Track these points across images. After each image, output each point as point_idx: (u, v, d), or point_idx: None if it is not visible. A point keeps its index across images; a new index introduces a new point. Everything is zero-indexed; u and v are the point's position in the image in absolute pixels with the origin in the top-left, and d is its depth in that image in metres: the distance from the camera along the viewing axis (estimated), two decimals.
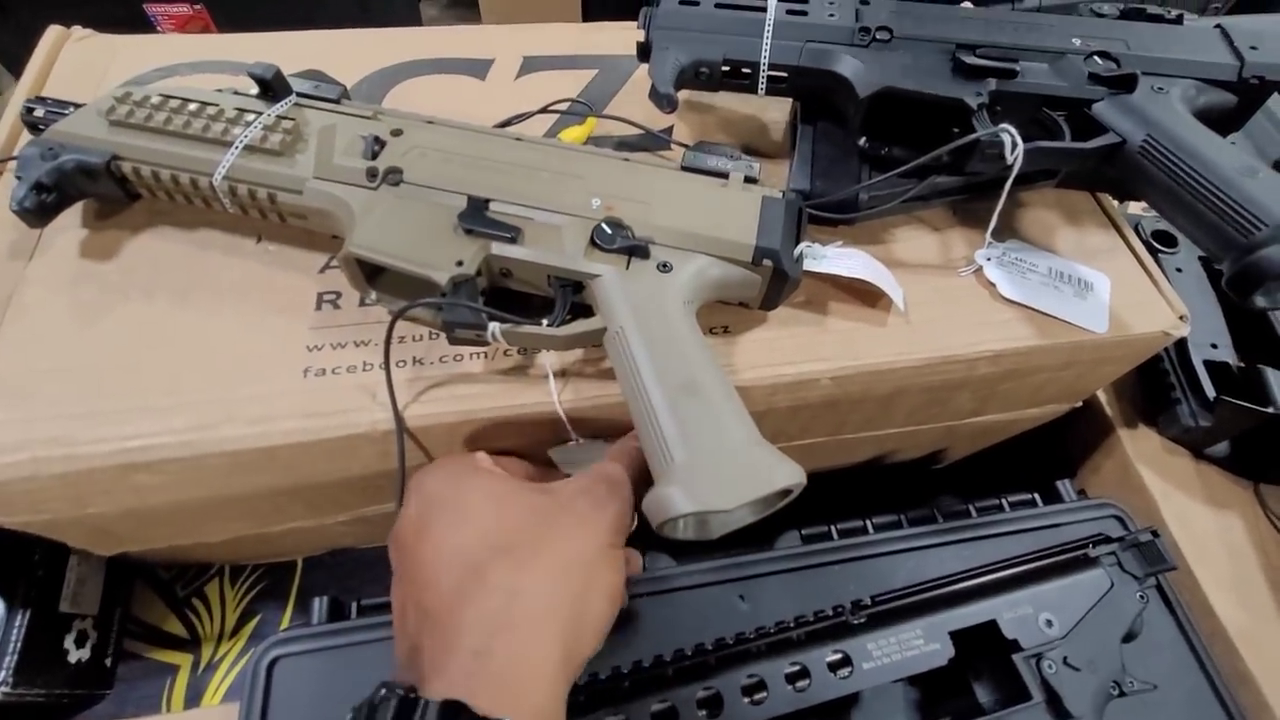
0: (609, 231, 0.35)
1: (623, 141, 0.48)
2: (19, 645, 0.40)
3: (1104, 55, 0.39)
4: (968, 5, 0.46)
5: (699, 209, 0.37)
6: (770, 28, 0.41)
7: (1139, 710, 0.37)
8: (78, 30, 0.49)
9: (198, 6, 1.66)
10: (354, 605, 0.40)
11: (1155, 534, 0.39)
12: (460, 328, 0.34)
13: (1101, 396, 0.51)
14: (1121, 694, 0.36)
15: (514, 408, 0.35)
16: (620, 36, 0.54)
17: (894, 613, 0.36)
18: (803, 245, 0.38)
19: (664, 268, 0.35)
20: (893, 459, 0.54)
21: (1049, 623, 0.36)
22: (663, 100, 0.41)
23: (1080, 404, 0.51)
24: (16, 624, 0.40)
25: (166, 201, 0.39)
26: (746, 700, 0.33)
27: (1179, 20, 0.42)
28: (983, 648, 0.36)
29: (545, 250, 0.35)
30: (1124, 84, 0.38)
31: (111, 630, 0.47)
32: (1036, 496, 0.47)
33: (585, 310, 0.35)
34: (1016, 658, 0.35)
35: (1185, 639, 0.41)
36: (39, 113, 0.40)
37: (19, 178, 0.36)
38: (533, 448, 0.38)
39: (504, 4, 1.77)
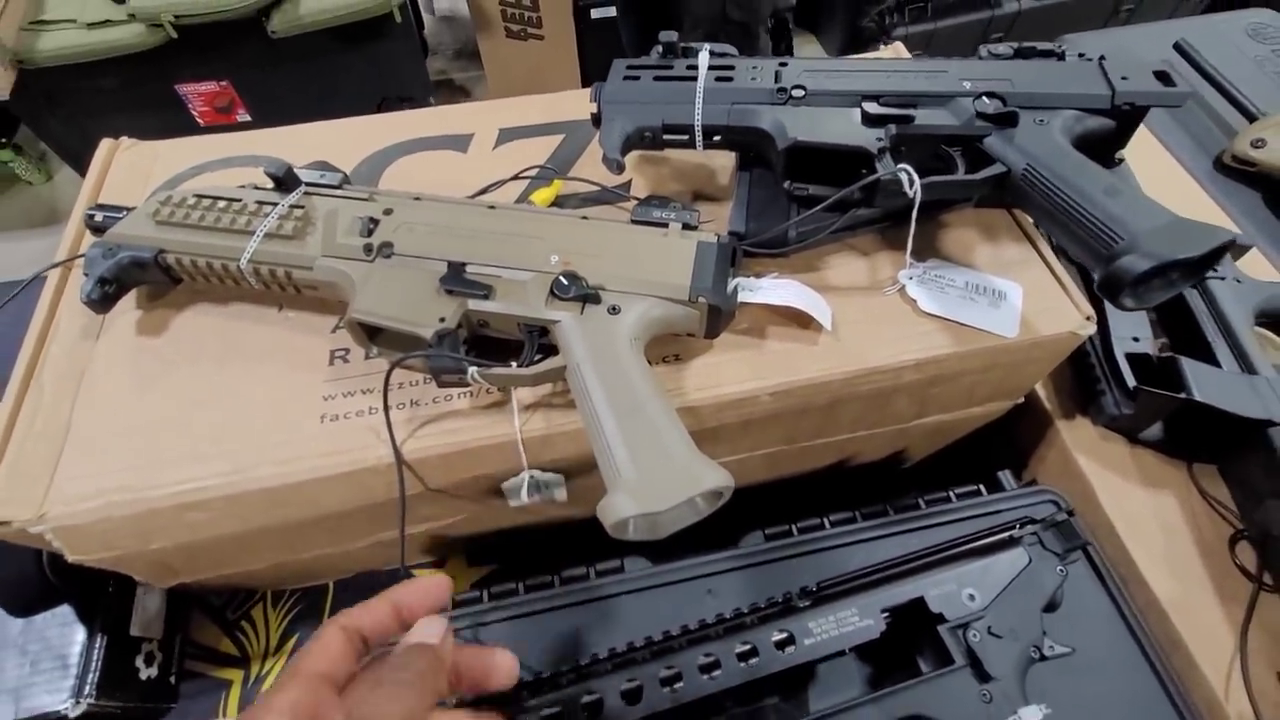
0: (565, 283, 0.41)
1: (587, 197, 0.55)
2: (99, 665, 0.47)
3: (991, 95, 0.45)
4: (879, 56, 0.52)
5: (642, 257, 0.43)
6: (701, 94, 0.48)
7: (1069, 674, 0.42)
8: (125, 140, 0.58)
9: (224, 83, 1.81)
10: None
11: (1071, 514, 0.43)
12: (445, 373, 0.40)
13: (1041, 391, 0.56)
14: (1042, 658, 0.40)
15: (493, 438, 0.42)
16: (584, 103, 0.60)
17: (834, 595, 0.41)
18: (737, 280, 0.44)
19: (613, 310, 0.41)
20: (856, 461, 0.59)
21: (971, 597, 0.40)
22: (612, 164, 0.47)
23: (1021, 400, 0.55)
24: (96, 646, 0.47)
25: (204, 283, 0.47)
26: (704, 676, 0.38)
27: (1062, 56, 0.47)
28: (913, 622, 0.40)
29: (513, 303, 0.42)
30: (1007, 120, 0.44)
31: (174, 651, 0.54)
32: (981, 487, 0.51)
33: (553, 350, 0.42)
34: (942, 629, 0.40)
35: (1116, 609, 0.45)
36: (98, 218, 0.48)
37: (86, 274, 0.45)
38: (501, 475, 0.44)
39: (504, 56, 1.88)
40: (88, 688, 0.46)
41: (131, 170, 0.56)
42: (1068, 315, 0.47)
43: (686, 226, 0.45)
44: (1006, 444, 0.59)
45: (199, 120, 1.80)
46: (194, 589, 0.56)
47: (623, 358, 0.39)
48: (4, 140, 2.10)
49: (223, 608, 0.58)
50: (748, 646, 0.39)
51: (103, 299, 0.45)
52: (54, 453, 0.41)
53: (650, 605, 0.47)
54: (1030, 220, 0.52)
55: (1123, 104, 0.44)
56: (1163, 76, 0.45)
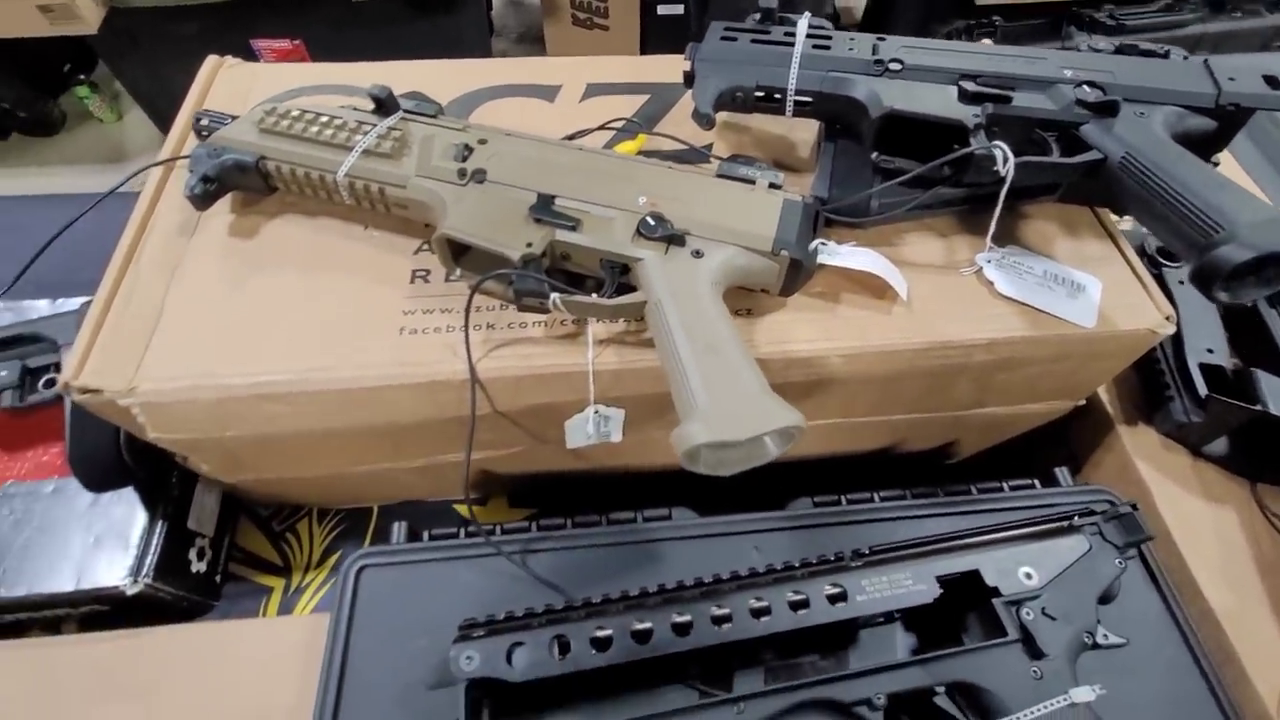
0: (652, 223, 0.42)
1: (670, 155, 0.55)
2: (158, 550, 0.48)
3: (1092, 84, 0.45)
4: (986, 42, 0.52)
5: (728, 208, 0.44)
6: (797, 59, 0.48)
7: (1119, 666, 0.41)
8: (229, 59, 0.60)
9: (296, 41, 1.86)
10: (426, 534, 0.47)
11: (1135, 507, 0.43)
12: (527, 296, 0.41)
13: (1103, 396, 0.55)
14: (1095, 645, 0.39)
15: (563, 366, 0.43)
16: (669, 67, 0.61)
17: (888, 559, 0.41)
18: (818, 241, 0.44)
19: (697, 254, 0.42)
20: (905, 448, 0.59)
21: (1028, 575, 0.40)
22: (703, 119, 0.48)
23: (1082, 403, 0.55)
24: (156, 532, 0.49)
25: (296, 194, 0.49)
26: (754, 619, 0.38)
27: (1166, 55, 0.47)
28: (966, 593, 0.40)
29: (599, 237, 0.43)
30: (1108, 109, 0.44)
31: (222, 551, 0.56)
32: (1035, 482, 0.51)
33: (628, 289, 0.43)
34: (997, 602, 0.39)
35: (1169, 612, 0.45)
36: (204, 122, 0.50)
37: (191, 171, 0.46)
38: (564, 407, 0.45)
39: (568, 42, 1.91)
40: (146, 569, 0.47)
41: (232, 87, 0.58)
42: (1147, 313, 0.46)
43: (772, 185, 0.46)
44: (1059, 446, 0.59)
45: None
46: (246, 496, 0.58)
47: (703, 299, 0.40)
48: (82, 77, 2.17)
49: (270, 518, 0.59)
50: (800, 596, 0.39)
51: (204, 196, 0.46)
52: (146, 334, 0.43)
53: (696, 553, 0.47)
54: (1112, 217, 0.51)
55: (1227, 104, 0.44)
56: (1272, 80, 0.44)
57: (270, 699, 0.45)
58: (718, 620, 0.38)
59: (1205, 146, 0.46)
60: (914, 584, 0.39)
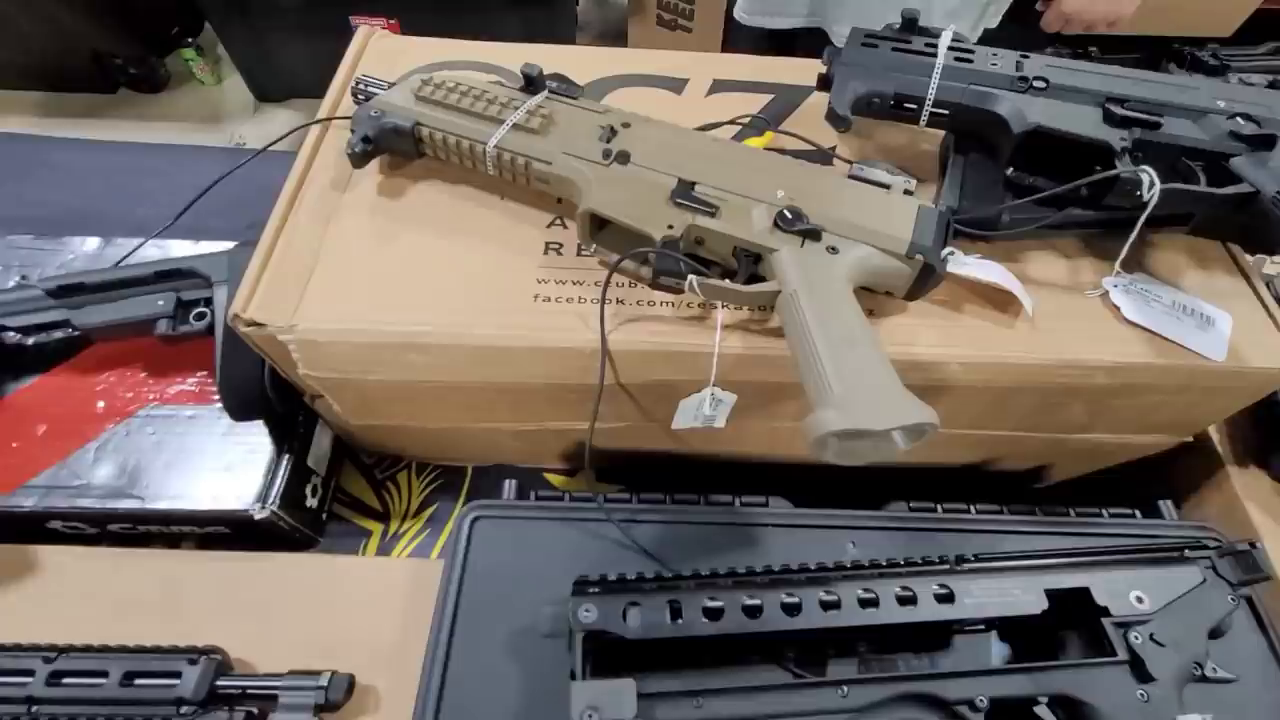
0: (790, 216, 0.44)
1: (796, 153, 0.56)
2: (284, 481, 0.52)
3: (1246, 117, 0.44)
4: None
5: (865, 208, 0.45)
6: (939, 70, 0.49)
7: (1226, 702, 0.41)
8: (379, 30, 0.63)
9: (393, 21, 1.93)
10: (533, 494, 0.50)
11: (1253, 545, 0.42)
12: (665, 275, 0.43)
13: (1213, 434, 0.54)
14: (1204, 678, 0.39)
15: (691, 346, 0.44)
16: (791, 70, 0.62)
17: (996, 569, 0.41)
18: (948, 249, 0.45)
19: (832, 250, 0.43)
20: (999, 466, 0.59)
21: (1139, 599, 0.40)
22: (839, 121, 0.49)
23: (1189, 439, 0.54)
24: (283, 466, 0.52)
25: (442, 161, 0.51)
26: (861, 608, 0.39)
27: None
28: (1075, 610, 0.40)
29: (737, 225, 0.44)
30: (1264, 142, 0.43)
31: (329, 492, 0.59)
32: (1136, 512, 0.51)
33: (758, 279, 0.44)
34: (1106, 621, 0.39)
35: (1274, 656, 0.44)
36: (362, 86, 0.53)
37: (353, 130, 0.49)
38: (683, 386, 0.46)
39: (650, 42, 1.94)
40: (272, 498, 0.51)
41: (380, 57, 0.61)
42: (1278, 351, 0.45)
43: (907, 191, 0.46)
44: (1155, 480, 0.58)
45: None
46: (355, 443, 0.61)
47: (839, 293, 0.41)
48: (189, 40, 2.29)
49: (373, 466, 0.63)
50: (908, 593, 0.40)
51: (362, 155, 0.49)
52: (304, 277, 0.46)
53: (790, 542, 0.48)
54: (1245, 255, 0.51)
55: None
56: None
57: (376, 634, 0.47)
58: (826, 605, 0.39)
59: None
60: (1022, 594, 0.40)
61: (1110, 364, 0.45)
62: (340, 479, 0.62)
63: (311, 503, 0.56)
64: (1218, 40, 1.81)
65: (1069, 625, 0.41)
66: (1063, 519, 0.49)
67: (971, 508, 0.50)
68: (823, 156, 0.56)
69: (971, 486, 0.60)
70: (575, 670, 0.37)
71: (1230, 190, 0.43)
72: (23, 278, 0.58)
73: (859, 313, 0.40)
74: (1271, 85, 0.48)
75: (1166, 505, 0.50)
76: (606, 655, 0.39)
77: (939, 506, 0.50)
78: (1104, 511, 0.50)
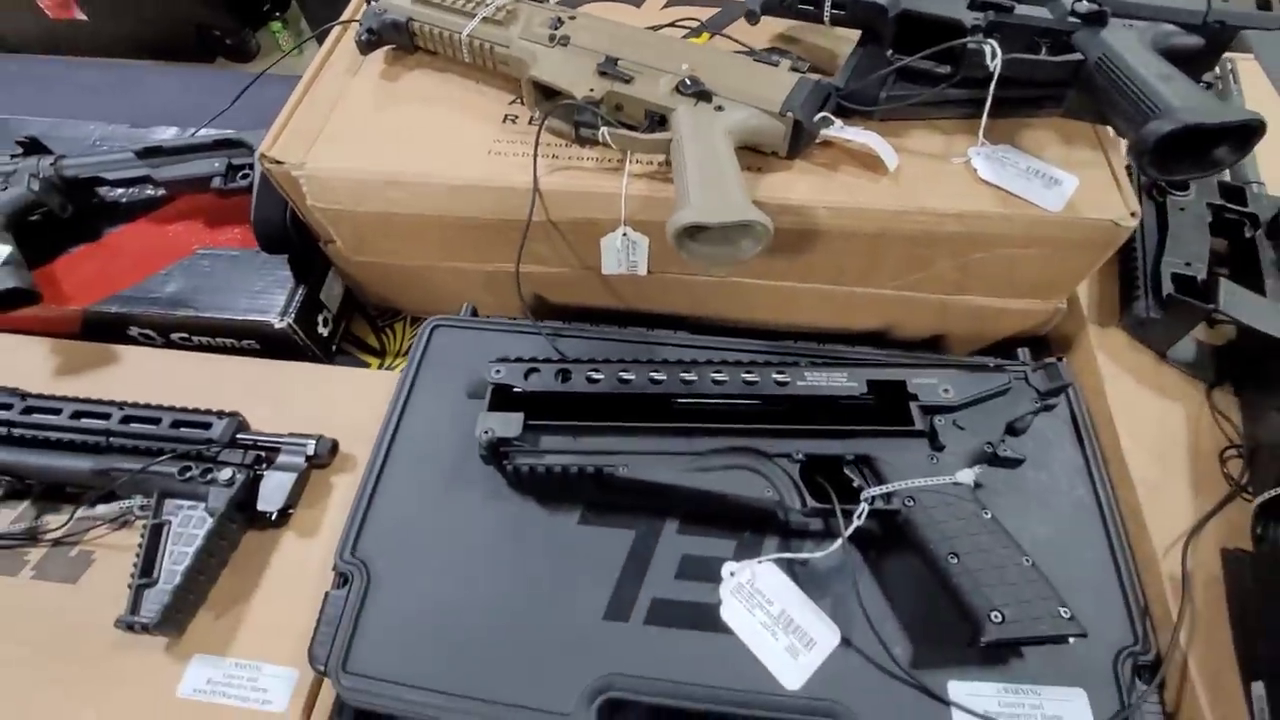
0: (688, 83, 0.54)
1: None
2: (299, 305, 0.66)
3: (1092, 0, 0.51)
4: None
5: (752, 79, 0.54)
6: None
7: (1027, 492, 0.49)
8: None
9: None
10: (484, 317, 0.62)
11: (1060, 359, 0.49)
12: (583, 127, 0.54)
13: (1082, 299, 0.60)
14: (995, 457, 0.47)
15: (605, 188, 0.55)
16: None
17: (830, 363, 0.50)
18: (824, 115, 0.54)
19: (719, 109, 0.53)
20: (898, 333, 0.67)
21: (946, 391, 0.48)
22: (751, 16, 0.59)
23: (1063, 305, 0.60)
24: (299, 293, 0.67)
25: (431, 53, 0.64)
26: (713, 384, 0.49)
27: None
28: (892, 397, 0.49)
29: (646, 90, 0.55)
30: (1096, 19, 0.50)
31: (339, 329, 0.73)
32: (997, 359, 0.58)
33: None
34: (913, 405, 0.48)
35: (1086, 465, 0.51)
36: None
37: (359, 23, 0.63)
38: (604, 224, 0.57)
39: None
40: (291, 313, 0.65)
41: None
42: (1114, 207, 0.52)
43: (794, 69, 0.55)
44: (1044, 350, 0.64)
45: None
46: (361, 295, 0.75)
47: (716, 138, 0.51)
48: (277, 14, 2.54)
49: (376, 317, 0.77)
50: (753, 377, 0.49)
51: (366, 43, 0.63)
52: (317, 132, 0.59)
53: (685, 356, 0.58)
54: (1111, 134, 0.57)
55: (1215, 21, 0.49)
56: (1264, 4, 0.49)
57: (359, 417, 0.60)
58: (686, 383, 0.50)
59: (1194, 63, 0.51)
60: (847, 381, 0.49)
61: (958, 211, 0.53)
62: (351, 326, 0.76)
63: (323, 330, 0.70)
64: None
65: (889, 412, 0.49)
66: (916, 355, 0.57)
67: (850, 347, 0.59)
68: (752, 54, 0.65)
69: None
70: (484, 409, 0.49)
71: (1064, 58, 0.50)
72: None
73: (730, 152, 0.50)
74: None
75: (1023, 351, 0.57)
76: (517, 408, 0.50)
77: (820, 344, 0.59)
78: (963, 358, 0.58)
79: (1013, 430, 0.48)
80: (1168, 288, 0.54)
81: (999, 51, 0.50)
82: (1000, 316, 0.63)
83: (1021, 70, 0.51)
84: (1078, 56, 0.50)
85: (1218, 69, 0.75)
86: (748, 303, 0.65)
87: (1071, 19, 0.51)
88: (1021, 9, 0.52)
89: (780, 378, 0.49)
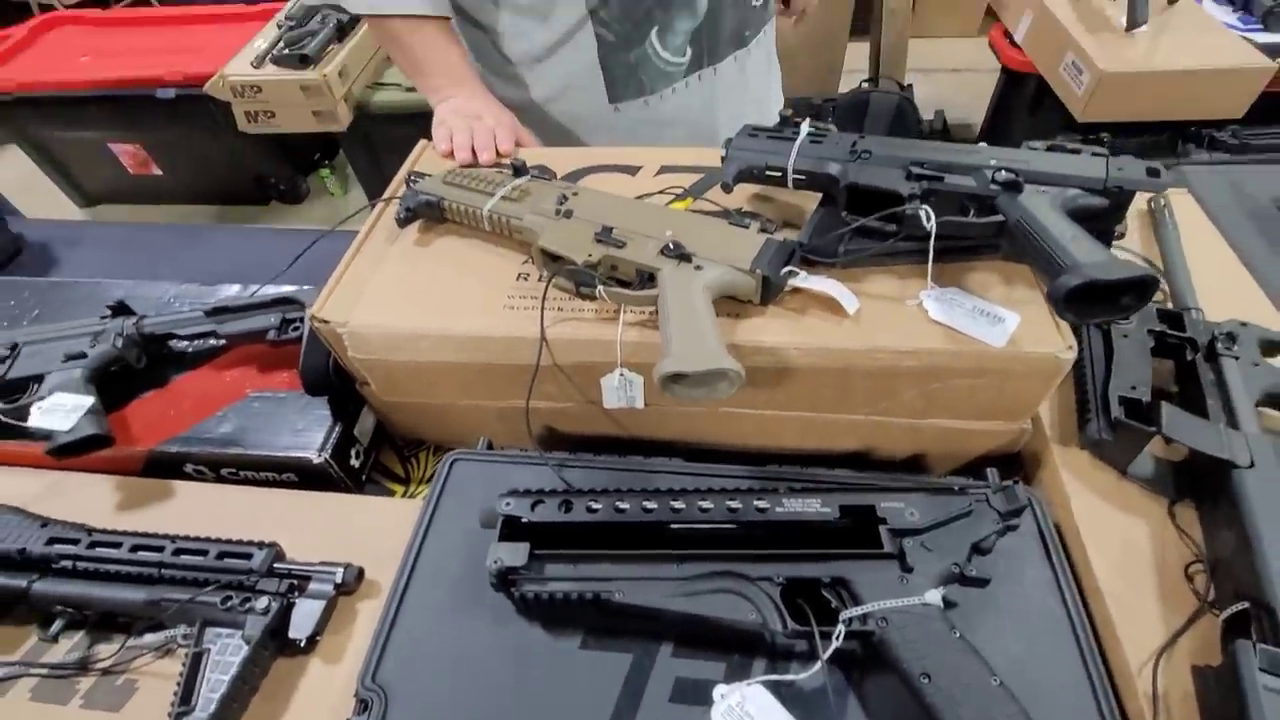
0: (671, 247, 0.63)
1: (710, 213, 0.77)
2: (335, 441, 0.74)
3: (1008, 170, 0.60)
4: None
5: (725, 241, 0.64)
6: (796, 148, 0.68)
7: (998, 610, 0.52)
8: (427, 143, 0.91)
9: None
10: (499, 449, 0.69)
11: (1016, 482, 0.53)
12: (583, 285, 0.63)
13: (1044, 419, 0.65)
14: (963, 576, 0.50)
15: (602, 336, 0.63)
16: (715, 156, 0.83)
17: (806, 490, 0.55)
18: (790, 269, 0.63)
19: (698, 268, 0.62)
20: (878, 454, 0.72)
21: (912, 514, 0.52)
22: (726, 187, 0.70)
23: (1027, 426, 0.65)
24: (336, 430, 0.75)
25: (458, 223, 0.76)
26: (700, 512, 0.54)
27: (1076, 151, 0.61)
28: (862, 522, 0.53)
29: (637, 254, 0.64)
30: (1014, 187, 0.59)
31: (369, 460, 0.80)
32: (968, 479, 0.62)
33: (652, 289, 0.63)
34: (882, 528, 0.52)
35: (1055, 581, 0.54)
36: (413, 177, 0.79)
37: (400, 203, 0.75)
38: (603, 368, 0.65)
39: None
40: (328, 449, 0.73)
41: (430, 159, 0.89)
42: (1053, 342, 0.58)
43: (762, 230, 0.65)
44: (1016, 468, 0.69)
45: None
46: (390, 427, 0.83)
47: (695, 294, 0.59)
48: (326, 161, 2.85)
49: (403, 447, 0.84)
50: (736, 505, 0.54)
51: (406, 219, 0.75)
52: (358, 296, 0.70)
53: (679, 485, 0.64)
54: None
55: (1113, 186, 0.57)
56: (1153, 171, 0.57)
57: (384, 545, 0.66)
58: (675, 510, 0.55)
59: (1100, 220, 0.59)
60: (821, 506, 0.54)
61: (913, 348, 0.60)
62: (379, 456, 0.83)
63: (354, 463, 0.77)
64: (1235, 122, 1.89)
65: (867, 537, 0.54)
66: (891, 476, 0.62)
67: (830, 470, 0.64)
68: (726, 214, 0.75)
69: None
70: (495, 539, 0.54)
71: (987, 220, 0.59)
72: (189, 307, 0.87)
73: (707, 305, 0.58)
74: (1049, 148, 0.63)
75: (992, 472, 0.62)
76: (525, 538, 0.56)
77: (802, 469, 0.64)
78: (941, 477, 0.63)
79: (978, 550, 0.52)
80: (1116, 411, 0.59)
81: (933, 215, 0.59)
82: (969, 437, 0.68)
83: (954, 229, 0.60)
84: (999, 218, 0.58)
85: (1152, 203, 0.84)
86: (736, 429, 0.71)
87: (993, 186, 0.60)
88: (950, 178, 0.62)
89: (761, 504, 0.54)
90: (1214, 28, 1.80)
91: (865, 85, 2.31)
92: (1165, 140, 1.94)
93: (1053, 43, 1.86)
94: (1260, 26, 1.81)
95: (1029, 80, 2.16)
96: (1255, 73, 1.69)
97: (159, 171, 2.65)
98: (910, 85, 2.34)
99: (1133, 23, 1.74)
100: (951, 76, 3.01)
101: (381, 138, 2.42)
